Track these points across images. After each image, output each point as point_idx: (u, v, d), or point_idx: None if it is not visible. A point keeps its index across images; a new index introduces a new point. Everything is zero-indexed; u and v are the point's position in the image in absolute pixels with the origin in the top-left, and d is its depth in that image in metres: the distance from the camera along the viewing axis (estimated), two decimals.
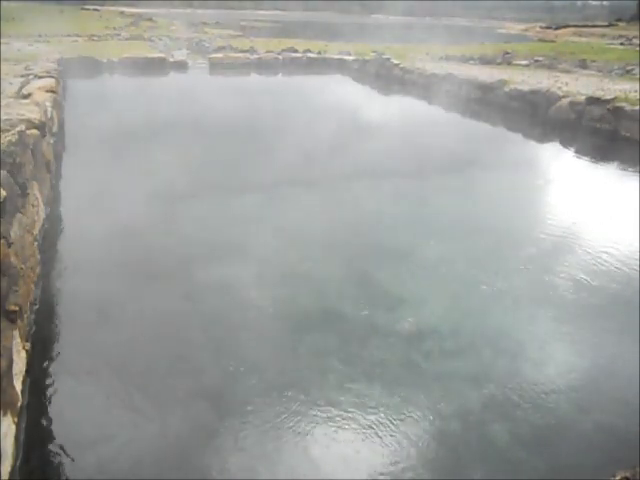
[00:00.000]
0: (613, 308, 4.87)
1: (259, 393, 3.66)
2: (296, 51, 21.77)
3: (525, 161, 10.06)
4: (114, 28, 29.50)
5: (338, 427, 3.39)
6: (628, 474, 2.73)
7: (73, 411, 3.46)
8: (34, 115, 6.27)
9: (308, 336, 4.30)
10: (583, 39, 36.32)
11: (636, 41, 27.69)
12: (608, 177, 9.13)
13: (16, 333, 3.49)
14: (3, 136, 4.71)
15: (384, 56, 19.28)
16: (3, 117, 5.63)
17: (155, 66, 17.78)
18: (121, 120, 10.95)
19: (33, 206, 5.28)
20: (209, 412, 3.51)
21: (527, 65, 18.42)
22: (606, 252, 5.93)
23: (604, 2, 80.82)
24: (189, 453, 3.18)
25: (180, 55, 20.20)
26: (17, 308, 3.50)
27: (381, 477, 3.09)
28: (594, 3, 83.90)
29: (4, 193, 3.84)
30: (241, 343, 4.22)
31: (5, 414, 2.95)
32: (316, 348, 4.16)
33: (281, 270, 5.42)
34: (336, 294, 4.93)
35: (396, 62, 18.29)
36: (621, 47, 26.26)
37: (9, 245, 3.79)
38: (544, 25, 52.43)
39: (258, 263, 5.46)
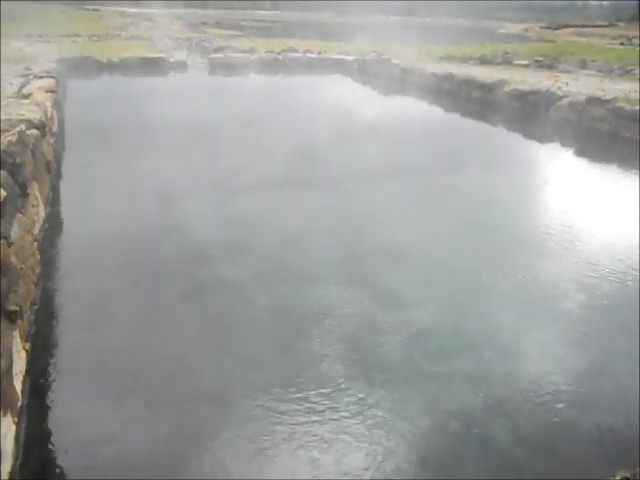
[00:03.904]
0: (613, 306, 4.88)
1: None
2: (296, 51, 21.76)
3: (525, 161, 10.05)
4: (114, 28, 29.49)
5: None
6: (628, 474, 2.73)
7: (73, 411, 3.46)
8: (34, 115, 6.27)
9: None
10: (583, 39, 36.31)
11: (636, 41, 27.68)
12: (608, 177, 9.12)
13: (16, 333, 3.50)
14: (3, 136, 4.71)
15: (384, 56, 19.28)
16: (3, 117, 5.63)
17: (155, 66, 17.77)
18: (121, 120, 10.95)
19: (33, 206, 5.28)
20: (210, 413, 3.51)
21: (527, 65, 18.42)
22: (607, 252, 5.95)
23: (604, 2, 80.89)
24: (188, 452, 3.18)
25: (180, 55, 20.20)
26: (17, 308, 3.50)
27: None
28: (594, 3, 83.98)
29: (4, 193, 3.84)
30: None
31: (5, 414, 2.95)
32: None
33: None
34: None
35: (396, 62, 18.27)
36: (621, 47, 26.28)
37: (9, 245, 3.79)
38: (544, 25, 52.43)
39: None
